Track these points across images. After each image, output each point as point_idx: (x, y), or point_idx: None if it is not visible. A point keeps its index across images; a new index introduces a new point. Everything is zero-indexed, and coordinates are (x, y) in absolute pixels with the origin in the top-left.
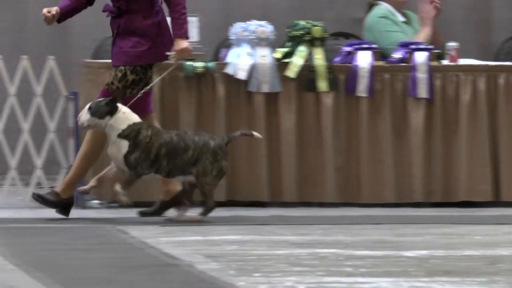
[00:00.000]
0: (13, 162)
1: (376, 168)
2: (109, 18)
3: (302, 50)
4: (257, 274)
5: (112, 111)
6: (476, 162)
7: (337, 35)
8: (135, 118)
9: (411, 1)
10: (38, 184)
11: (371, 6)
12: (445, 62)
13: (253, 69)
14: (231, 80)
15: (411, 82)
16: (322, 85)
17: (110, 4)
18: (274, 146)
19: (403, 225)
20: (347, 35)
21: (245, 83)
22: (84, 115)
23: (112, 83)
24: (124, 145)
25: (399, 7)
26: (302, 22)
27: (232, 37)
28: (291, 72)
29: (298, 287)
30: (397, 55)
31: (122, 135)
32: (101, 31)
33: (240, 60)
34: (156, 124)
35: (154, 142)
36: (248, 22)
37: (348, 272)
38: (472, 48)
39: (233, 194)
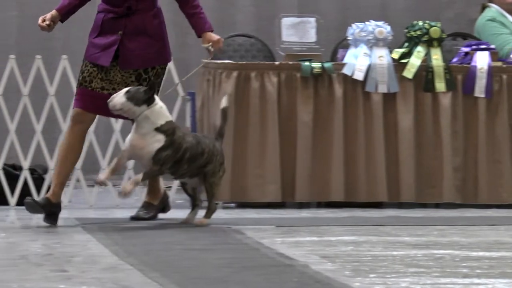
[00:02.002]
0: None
1: (494, 169)
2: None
3: (419, 50)
4: (373, 275)
5: (150, 100)
6: None
7: (455, 35)
8: (170, 115)
9: None
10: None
11: (483, 8)
12: None
13: (370, 70)
14: (348, 80)
15: None
16: (440, 85)
17: (103, 4)
18: (391, 146)
19: None
20: (465, 36)
21: (362, 83)
22: (119, 98)
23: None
24: (160, 139)
25: (509, 9)
26: (420, 23)
27: (350, 37)
28: (409, 72)
29: None
30: None
31: (160, 130)
32: (220, 31)
33: (357, 61)
34: None
35: (183, 145)
36: (366, 23)
37: (463, 273)
38: None
39: (351, 195)
